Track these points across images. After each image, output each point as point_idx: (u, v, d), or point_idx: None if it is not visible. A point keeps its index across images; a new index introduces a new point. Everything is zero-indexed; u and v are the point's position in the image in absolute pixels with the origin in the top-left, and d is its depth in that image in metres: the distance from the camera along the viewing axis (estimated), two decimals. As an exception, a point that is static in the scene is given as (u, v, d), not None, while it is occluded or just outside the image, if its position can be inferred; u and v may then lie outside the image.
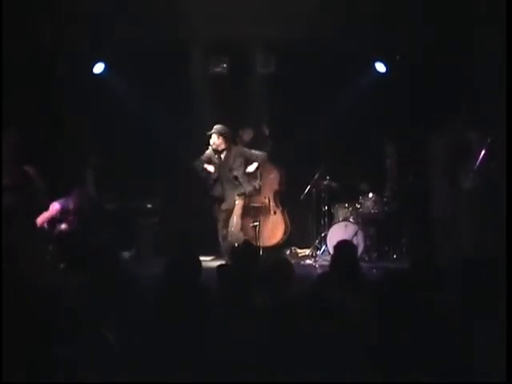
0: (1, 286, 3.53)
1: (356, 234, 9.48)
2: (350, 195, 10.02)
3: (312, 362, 3.07)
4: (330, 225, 9.98)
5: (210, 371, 3.29)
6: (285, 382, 3.09)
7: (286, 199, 10.68)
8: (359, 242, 9.40)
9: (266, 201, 10.50)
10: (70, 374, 3.20)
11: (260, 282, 4.61)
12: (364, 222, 9.84)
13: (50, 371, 3.18)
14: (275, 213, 10.53)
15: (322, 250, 10.02)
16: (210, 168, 9.49)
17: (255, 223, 10.10)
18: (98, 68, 10.40)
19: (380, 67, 10.45)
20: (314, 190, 10.15)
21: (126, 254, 9.61)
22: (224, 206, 9.55)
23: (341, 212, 10.04)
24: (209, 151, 9.52)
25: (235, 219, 9.48)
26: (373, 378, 3.11)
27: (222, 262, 6.77)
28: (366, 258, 9.51)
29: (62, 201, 8.69)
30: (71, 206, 8.72)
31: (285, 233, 10.53)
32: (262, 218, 10.28)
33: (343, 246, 5.46)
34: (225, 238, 9.52)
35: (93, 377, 3.23)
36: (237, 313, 3.93)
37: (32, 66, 9.44)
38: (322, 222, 10.19)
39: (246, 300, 4.20)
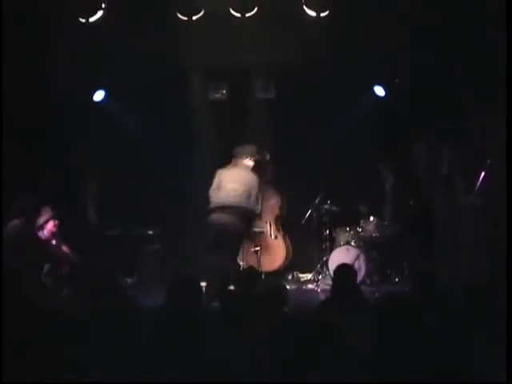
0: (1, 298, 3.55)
1: (358, 257, 9.45)
2: (351, 219, 10.02)
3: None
4: (331, 249, 9.94)
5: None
6: None
7: (286, 224, 10.68)
8: (361, 265, 9.39)
9: (267, 225, 10.50)
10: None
11: (258, 307, 4.61)
12: (365, 245, 9.82)
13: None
14: (276, 237, 10.52)
15: (324, 274, 9.99)
16: None
17: (256, 248, 10.08)
18: (99, 96, 10.44)
19: (379, 91, 10.49)
20: (314, 214, 10.15)
21: (128, 281, 9.62)
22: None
23: (342, 236, 10.03)
24: None
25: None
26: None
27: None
28: (368, 282, 9.48)
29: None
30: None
31: (286, 257, 10.50)
32: (263, 243, 10.27)
33: (343, 270, 5.52)
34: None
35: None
36: (237, 337, 3.93)
37: (32, 93, 9.46)
38: (324, 246, 10.17)
39: (247, 325, 4.20)
